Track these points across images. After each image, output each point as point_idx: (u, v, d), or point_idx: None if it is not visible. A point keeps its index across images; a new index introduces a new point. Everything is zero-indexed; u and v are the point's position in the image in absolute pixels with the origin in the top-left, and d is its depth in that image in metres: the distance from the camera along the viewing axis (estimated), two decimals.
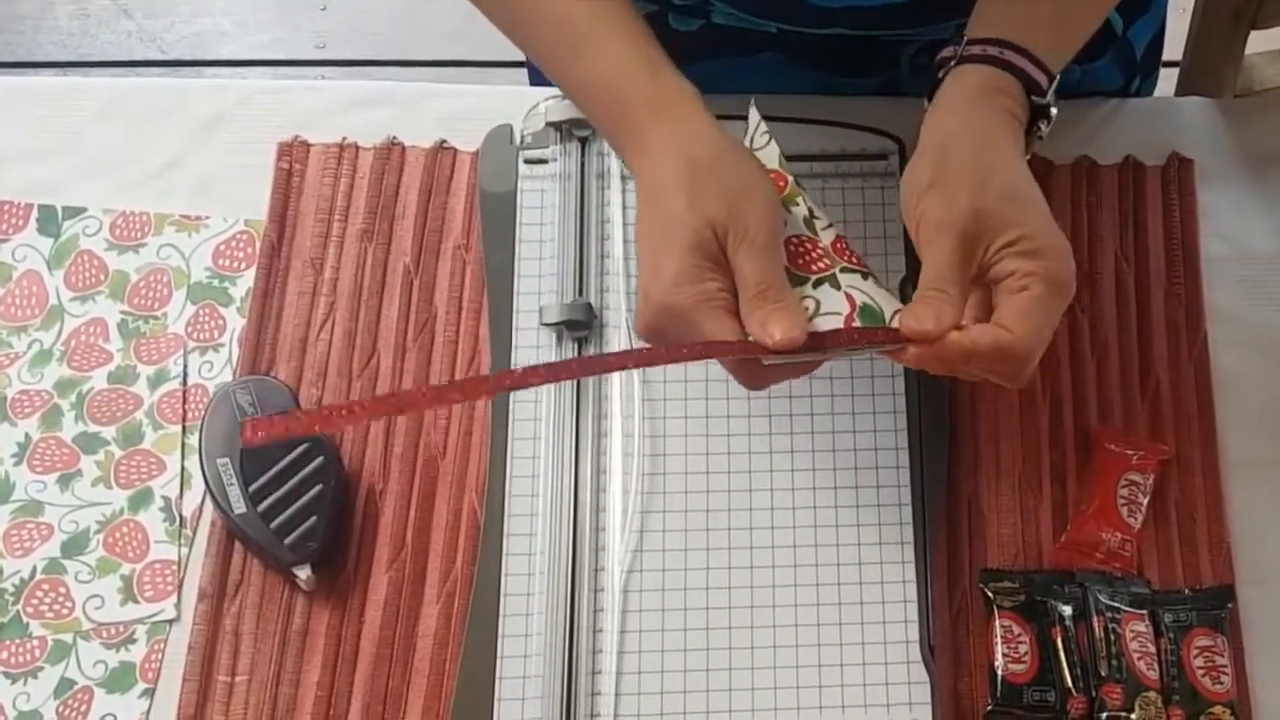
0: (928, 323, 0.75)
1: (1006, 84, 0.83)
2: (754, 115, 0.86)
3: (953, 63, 0.85)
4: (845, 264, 0.80)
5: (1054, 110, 0.85)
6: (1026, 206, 0.78)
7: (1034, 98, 0.84)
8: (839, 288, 0.79)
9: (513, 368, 0.69)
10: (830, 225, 0.82)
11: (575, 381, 0.96)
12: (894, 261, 1.00)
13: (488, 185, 1.03)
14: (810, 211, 0.82)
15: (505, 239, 1.01)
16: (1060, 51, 0.86)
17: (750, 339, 0.75)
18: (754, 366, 0.77)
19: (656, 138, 0.81)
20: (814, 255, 0.79)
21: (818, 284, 0.79)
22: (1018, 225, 0.76)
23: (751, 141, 0.85)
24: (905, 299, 0.98)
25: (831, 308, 0.78)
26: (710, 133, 0.81)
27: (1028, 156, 0.84)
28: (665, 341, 0.78)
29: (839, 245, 0.81)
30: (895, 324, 0.77)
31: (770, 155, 0.84)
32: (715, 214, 0.77)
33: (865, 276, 0.80)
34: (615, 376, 0.96)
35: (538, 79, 1.16)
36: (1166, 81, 1.21)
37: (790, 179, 0.82)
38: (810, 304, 0.78)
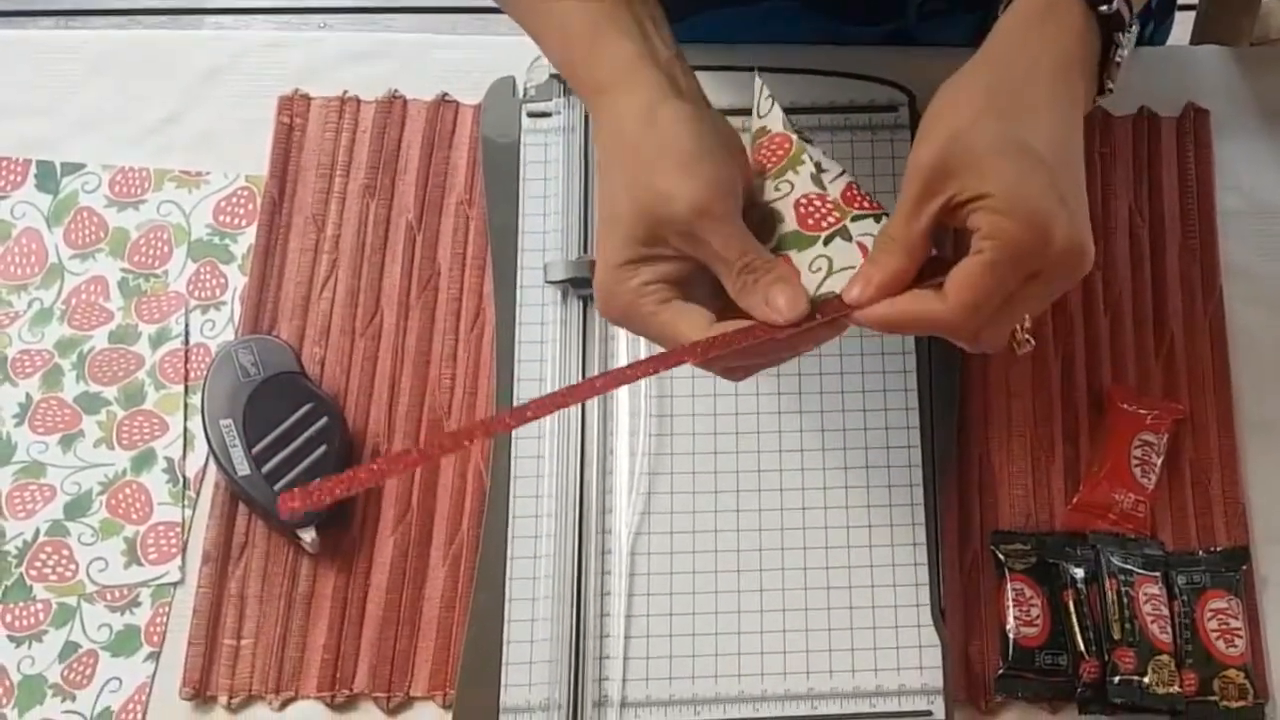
0: (858, 287, 0.71)
1: (1063, 6, 0.73)
2: (758, 83, 0.84)
3: None
4: (857, 210, 0.77)
5: (1134, 27, 0.75)
6: (1011, 160, 0.69)
7: (1101, 8, 0.73)
8: (850, 239, 0.76)
9: (526, 402, 0.67)
10: (841, 174, 0.79)
11: (581, 342, 0.95)
12: None
13: (491, 139, 1.02)
14: (817, 166, 0.79)
15: (509, 194, 1.00)
16: None
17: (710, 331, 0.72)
18: (736, 357, 0.73)
19: (600, 115, 0.76)
20: (824, 211, 0.77)
21: (829, 240, 0.76)
22: (989, 179, 0.68)
23: (757, 109, 0.83)
24: None
25: (845, 262, 0.74)
26: (644, 104, 0.74)
27: (1098, 95, 0.76)
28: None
29: (850, 193, 0.78)
30: None
31: (775, 119, 0.82)
32: (644, 197, 0.71)
33: (879, 219, 0.77)
34: (622, 339, 0.95)
35: None
36: (1181, 27, 1.19)
37: (794, 138, 0.80)
38: (823, 264, 0.75)
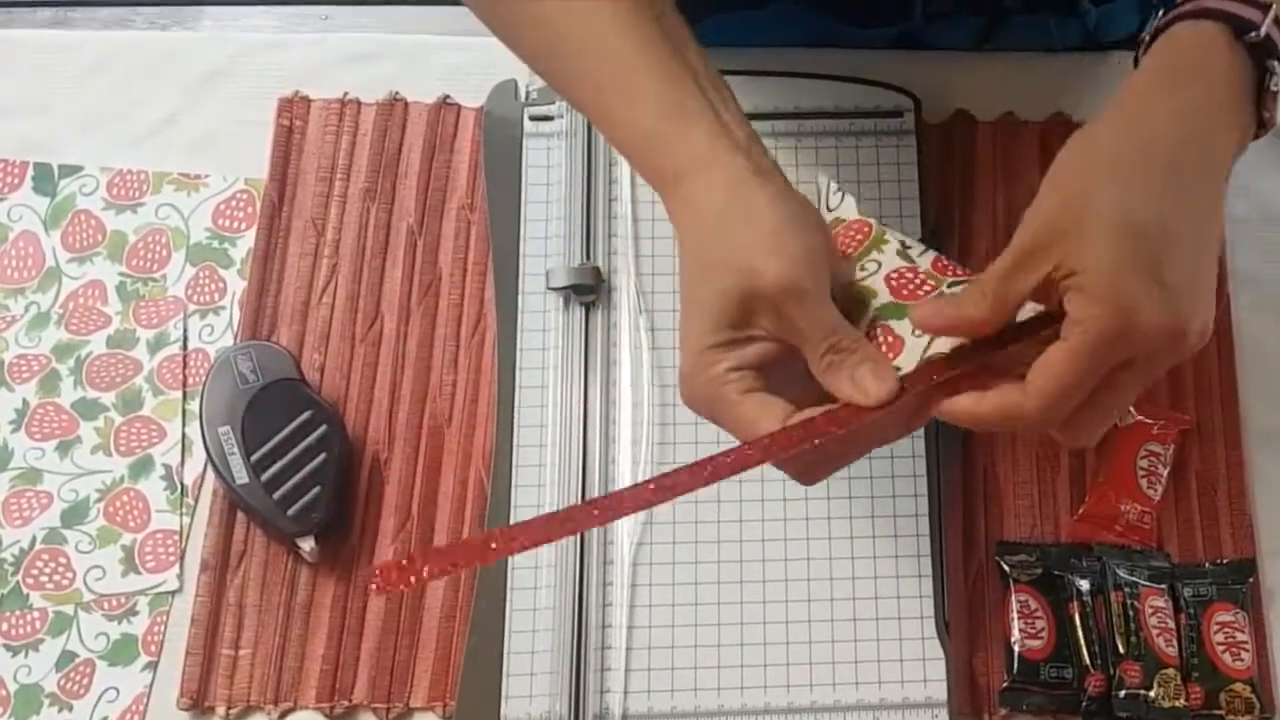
0: (932, 311, 0.69)
1: (1205, 43, 0.69)
2: (823, 180, 0.82)
3: (1147, 38, 0.73)
4: (951, 278, 0.75)
5: None
6: (1113, 236, 0.64)
7: (1248, 36, 0.69)
8: None
9: (595, 498, 0.64)
10: (926, 249, 0.78)
11: (583, 349, 0.94)
12: (909, 224, 0.98)
13: (492, 142, 1.01)
14: (902, 244, 0.77)
15: (511, 198, 0.99)
16: None
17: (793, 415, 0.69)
18: (815, 452, 0.68)
19: (678, 199, 0.72)
20: (917, 282, 0.74)
21: None
22: (1085, 255, 0.64)
23: (826, 203, 0.81)
24: None
25: None
26: (727, 184, 0.71)
27: (1258, 130, 0.72)
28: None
29: (939, 264, 0.76)
30: None
31: (848, 208, 0.79)
32: (727, 284, 0.68)
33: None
34: (625, 348, 0.94)
35: None
36: None
37: (873, 222, 0.78)
38: (925, 336, 0.72)
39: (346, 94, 1.04)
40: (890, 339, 0.71)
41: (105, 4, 1.11)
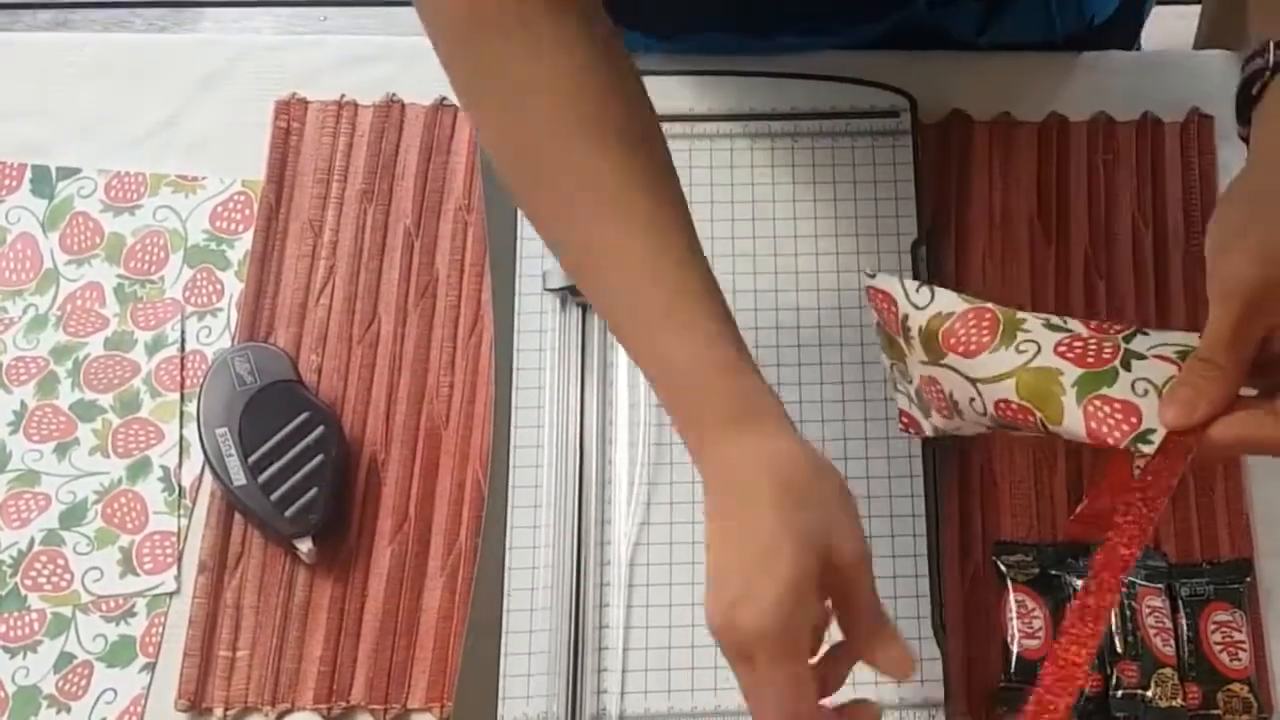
0: (1177, 410, 0.69)
1: None
2: (899, 282, 0.82)
3: (1268, 74, 0.73)
4: (1117, 333, 0.75)
5: None
6: None
7: None
8: (1143, 357, 0.73)
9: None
10: (1064, 316, 0.78)
11: (580, 351, 0.94)
12: (905, 224, 0.98)
13: None
14: (1043, 320, 0.77)
15: (507, 200, 0.98)
16: None
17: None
18: None
19: (737, 447, 0.71)
20: (1094, 346, 0.74)
21: (1126, 365, 0.73)
22: None
23: (913, 303, 0.80)
24: (916, 262, 0.97)
25: (1163, 376, 0.72)
26: (798, 449, 0.71)
27: None
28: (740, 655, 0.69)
29: (1093, 325, 0.76)
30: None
31: (947, 300, 0.79)
32: (814, 542, 0.68)
33: (1147, 332, 0.74)
34: (620, 349, 0.94)
35: None
36: (1185, 32, 1.18)
37: (992, 306, 0.77)
38: (1145, 385, 0.72)
39: (344, 96, 1.04)
40: (1120, 409, 0.71)
41: (105, 6, 1.11)
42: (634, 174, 0.74)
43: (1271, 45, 0.72)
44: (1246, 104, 0.74)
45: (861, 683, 0.87)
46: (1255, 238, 0.67)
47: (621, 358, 0.94)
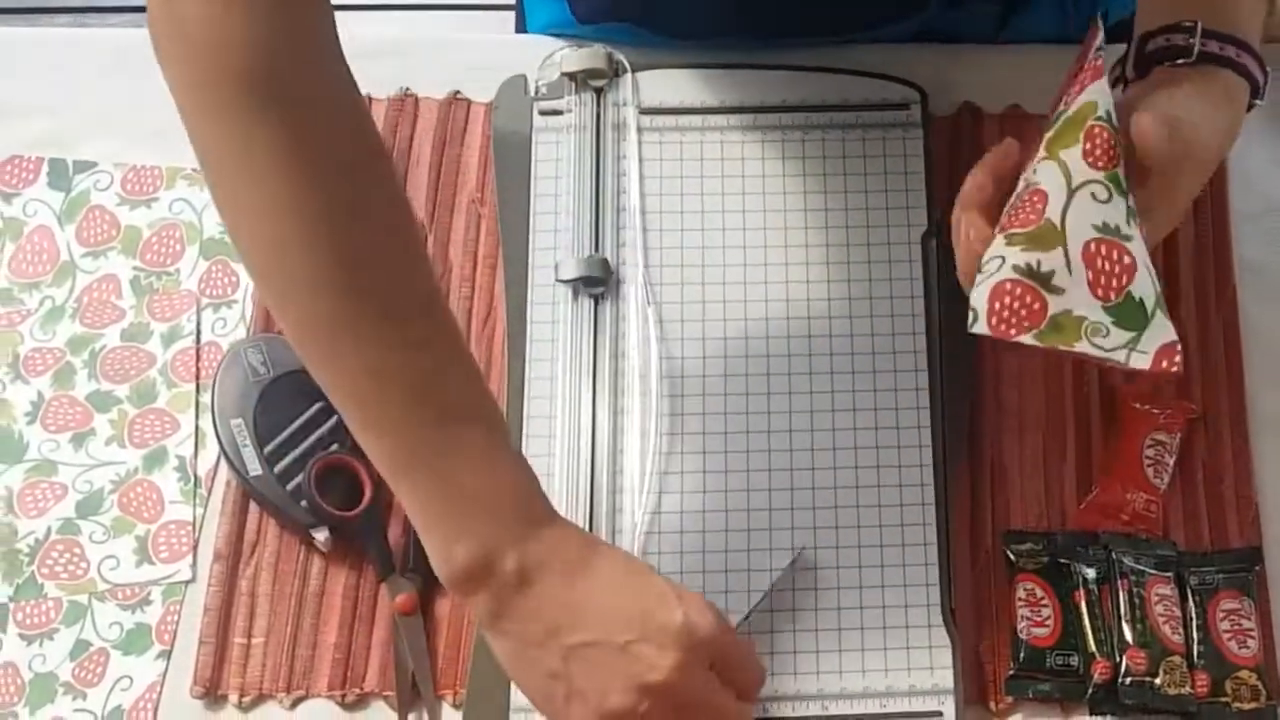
0: None
1: (1241, 94, 0.81)
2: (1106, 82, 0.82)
3: (1193, 57, 0.81)
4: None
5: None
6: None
7: (1256, 100, 0.82)
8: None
9: None
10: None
11: (592, 341, 0.95)
12: (915, 216, 0.98)
13: (502, 136, 1.02)
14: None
15: (520, 192, 1.00)
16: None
17: None
18: None
19: (556, 543, 0.78)
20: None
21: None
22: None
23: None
24: (927, 254, 0.97)
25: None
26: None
27: None
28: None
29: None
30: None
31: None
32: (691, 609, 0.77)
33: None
34: (632, 338, 0.95)
35: (532, 25, 1.14)
36: None
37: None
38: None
39: None
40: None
41: (122, 10, 1.12)
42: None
43: (1200, 31, 0.80)
44: (1147, 61, 0.82)
45: (870, 670, 0.88)
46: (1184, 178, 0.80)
47: (634, 347, 0.94)
